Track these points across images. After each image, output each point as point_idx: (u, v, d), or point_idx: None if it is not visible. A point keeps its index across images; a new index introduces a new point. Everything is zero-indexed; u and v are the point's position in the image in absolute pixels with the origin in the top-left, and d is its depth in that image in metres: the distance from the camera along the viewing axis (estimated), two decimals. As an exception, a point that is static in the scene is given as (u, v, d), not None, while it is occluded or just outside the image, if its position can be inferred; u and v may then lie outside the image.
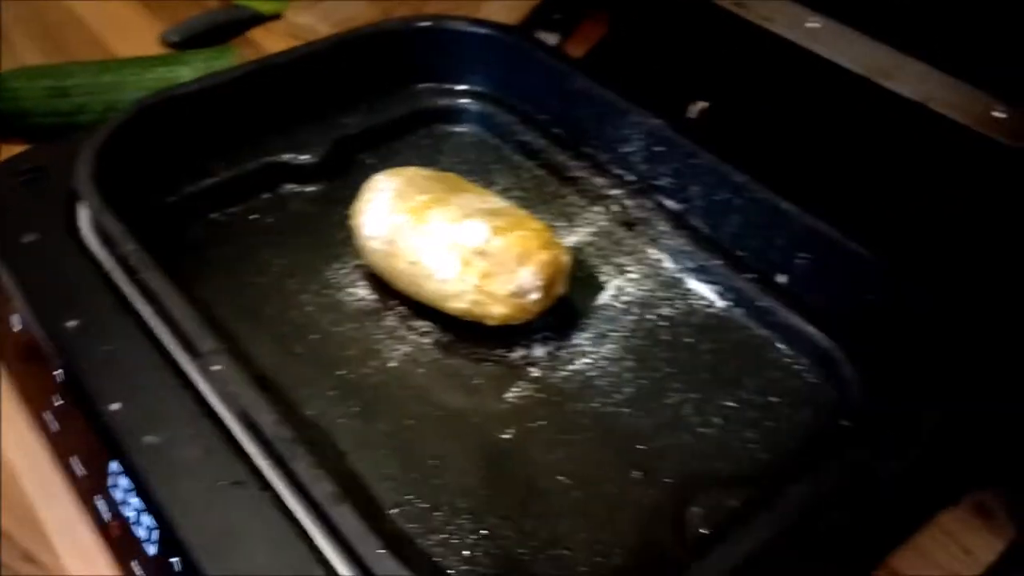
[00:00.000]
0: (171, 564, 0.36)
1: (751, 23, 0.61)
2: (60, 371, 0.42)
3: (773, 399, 0.47)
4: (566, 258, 0.48)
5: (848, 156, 0.55)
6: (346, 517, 0.34)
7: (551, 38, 0.79)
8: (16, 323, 0.46)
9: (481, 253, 0.46)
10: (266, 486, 0.37)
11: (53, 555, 0.45)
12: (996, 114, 0.48)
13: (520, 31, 0.68)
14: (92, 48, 0.80)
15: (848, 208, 0.50)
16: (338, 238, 0.54)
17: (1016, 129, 0.49)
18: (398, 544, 0.36)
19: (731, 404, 0.46)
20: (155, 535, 0.37)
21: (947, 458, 0.41)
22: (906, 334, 0.46)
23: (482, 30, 0.61)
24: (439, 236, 0.46)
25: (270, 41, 0.83)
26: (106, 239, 0.47)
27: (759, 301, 0.51)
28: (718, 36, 0.63)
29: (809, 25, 0.59)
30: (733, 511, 0.40)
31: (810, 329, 0.49)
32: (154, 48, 0.79)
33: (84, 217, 0.49)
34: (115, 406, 0.40)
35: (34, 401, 0.47)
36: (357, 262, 0.52)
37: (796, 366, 0.49)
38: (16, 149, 0.67)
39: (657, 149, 0.55)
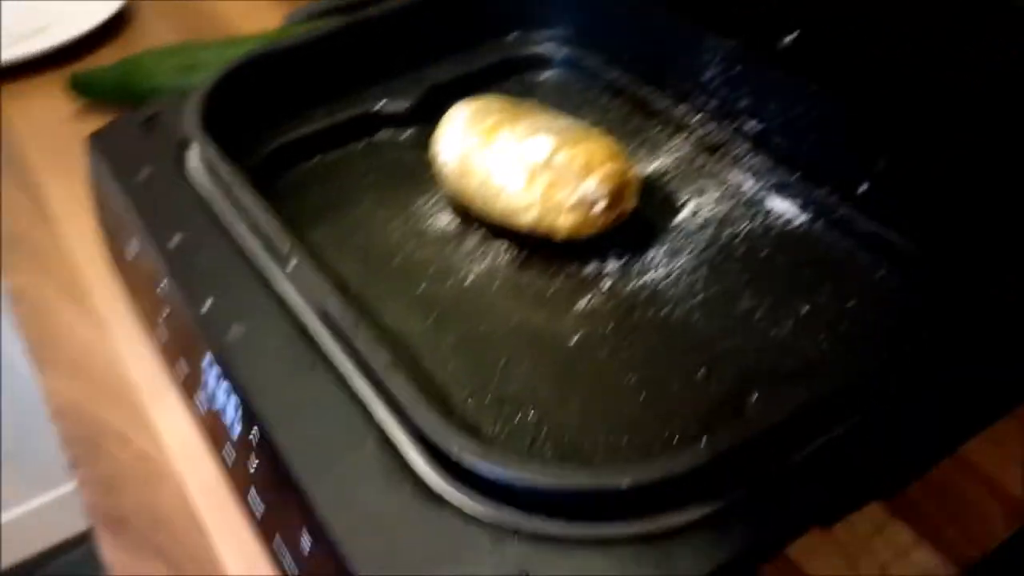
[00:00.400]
0: (250, 439, 0.39)
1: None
2: (163, 283, 0.47)
3: (851, 304, 0.46)
4: (633, 171, 0.49)
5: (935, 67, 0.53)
6: (399, 382, 0.36)
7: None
8: (133, 248, 0.51)
9: (546, 165, 0.47)
10: (332, 368, 0.39)
11: (163, 452, 0.49)
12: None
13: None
14: (220, 27, 0.87)
15: (929, 114, 0.48)
16: (427, 176, 0.57)
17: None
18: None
19: (805, 307, 0.46)
20: (239, 414, 0.40)
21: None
22: (993, 234, 0.44)
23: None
24: (507, 153, 0.48)
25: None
26: (209, 170, 0.51)
27: (839, 212, 0.49)
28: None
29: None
30: (791, 398, 0.39)
31: (892, 234, 0.47)
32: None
33: (193, 156, 0.54)
34: (206, 305, 0.43)
35: (149, 316, 0.52)
36: (441, 193, 0.55)
37: (878, 272, 0.47)
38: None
39: (734, 72, 0.55)
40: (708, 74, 0.57)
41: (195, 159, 0.53)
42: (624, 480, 0.32)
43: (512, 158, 0.48)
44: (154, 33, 0.88)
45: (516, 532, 0.32)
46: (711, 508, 0.33)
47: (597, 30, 0.64)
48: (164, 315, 0.48)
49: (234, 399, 0.41)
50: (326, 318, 0.41)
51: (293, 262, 0.43)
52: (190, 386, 0.47)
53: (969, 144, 0.45)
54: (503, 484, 0.33)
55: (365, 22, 0.62)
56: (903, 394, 0.38)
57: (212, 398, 0.43)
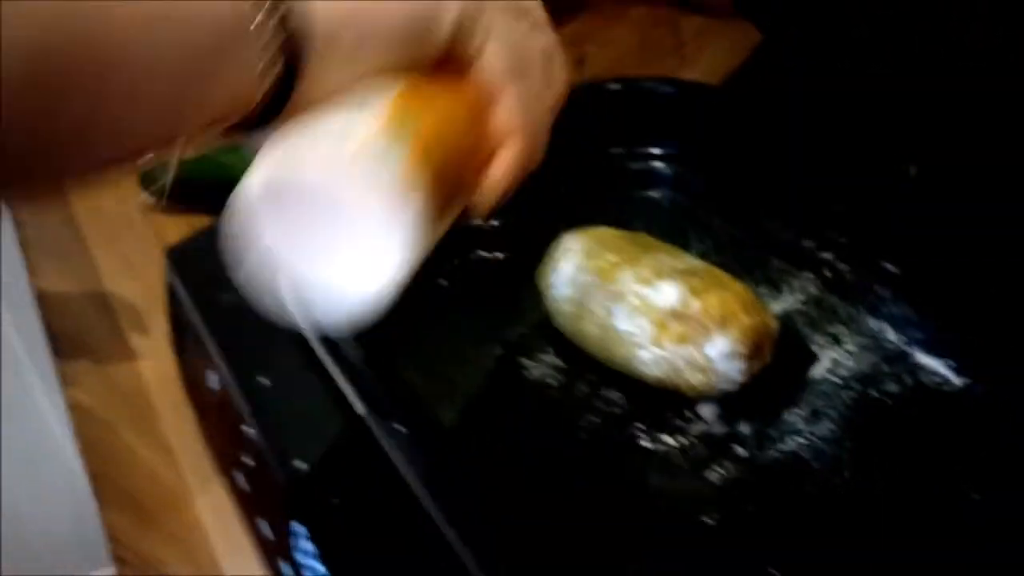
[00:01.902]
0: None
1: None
2: (248, 427, 0.42)
3: (1030, 493, 0.40)
4: (773, 324, 0.44)
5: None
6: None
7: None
8: (213, 381, 0.46)
9: (677, 316, 0.42)
10: (449, 556, 0.34)
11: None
12: None
13: (718, 89, 0.65)
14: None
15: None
16: (526, 303, 0.53)
17: None
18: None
19: (975, 497, 0.40)
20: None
21: None
22: None
23: (678, 89, 0.59)
24: (631, 298, 0.43)
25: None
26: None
27: (1007, 380, 0.44)
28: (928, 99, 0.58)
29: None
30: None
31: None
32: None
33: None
34: (299, 464, 0.38)
35: (226, 458, 0.47)
36: (544, 326, 0.50)
37: (1057, 454, 0.41)
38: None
39: (874, 208, 0.50)
40: (841, 207, 0.52)
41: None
42: None
43: (638, 304, 0.43)
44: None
45: None
46: None
47: (708, 150, 0.59)
48: (245, 463, 0.43)
49: (325, 582, 0.36)
50: (440, 491, 0.36)
51: (400, 429, 0.38)
52: (271, 552, 0.41)
53: None
54: None
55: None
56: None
57: (302, 570, 0.38)
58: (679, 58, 0.88)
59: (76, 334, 0.63)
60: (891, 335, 0.48)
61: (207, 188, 0.72)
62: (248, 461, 0.43)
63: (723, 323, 0.42)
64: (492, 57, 0.33)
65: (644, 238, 0.49)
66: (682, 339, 0.42)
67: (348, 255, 0.29)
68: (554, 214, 0.59)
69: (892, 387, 0.45)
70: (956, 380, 0.45)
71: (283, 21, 0.26)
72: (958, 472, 0.41)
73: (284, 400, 0.42)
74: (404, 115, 0.30)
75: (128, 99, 0.24)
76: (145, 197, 0.74)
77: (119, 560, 0.48)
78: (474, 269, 0.56)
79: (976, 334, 0.45)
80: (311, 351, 0.44)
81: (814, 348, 0.48)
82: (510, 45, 0.33)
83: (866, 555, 0.38)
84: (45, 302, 0.66)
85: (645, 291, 0.43)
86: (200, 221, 0.72)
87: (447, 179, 0.32)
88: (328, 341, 0.43)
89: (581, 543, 0.39)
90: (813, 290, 0.52)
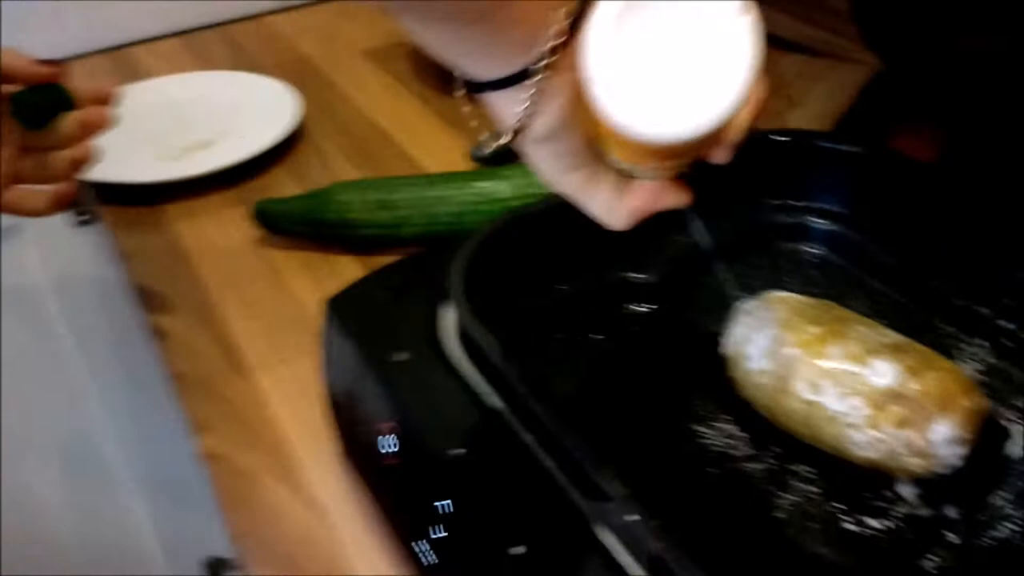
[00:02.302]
0: None
1: None
2: (447, 503, 0.40)
3: None
4: (987, 404, 0.42)
5: None
6: None
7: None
8: (389, 446, 0.45)
9: (895, 396, 0.41)
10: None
11: None
12: None
13: (881, 146, 0.63)
14: (402, 162, 0.83)
15: None
16: (687, 360, 0.51)
17: None
18: None
19: None
20: None
21: None
22: None
23: (842, 145, 0.57)
24: (843, 375, 0.42)
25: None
26: (479, 359, 0.45)
27: None
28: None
29: None
30: None
31: None
32: (461, 163, 0.81)
33: (449, 334, 0.48)
34: (518, 550, 0.37)
35: (404, 529, 0.45)
36: (719, 391, 0.49)
37: None
38: (341, 259, 0.70)
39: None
40: (1012, 271, 0.51)
41: (452, 338, 0.48)
42: None
43: (850, 382, 0.41)
44: (334, 166, 0.83)
45: None
46: None
47: (867, 206, 0.58)
48: (435, 539, 0.42)
49: None
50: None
51: (630, 517, 0.36)
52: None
53: None
54: None
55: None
56: None
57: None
58: (785, 99, 0.86)
59: (201, 376, 0.61)
60: (1082, 410, 0.46)
61: (317, 224, 0.71)
62: (439, 533, 0.41)
63: (943, 406, 0.40)
64: None
65: (836, 308, 0.47)
66: (902, 423, 0.40)
67: (695, 69, 0.33)
68: (705, 265, 0.57)
69: (1097, 468, 0.44)
70: None
71: None
72: None
73: (481, 474, 0.40)
74: None
75: None
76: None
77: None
78: (626, 322, 0.55)
79: None
80: (501, 418, 0.43)
81: (1004, 423, 0.46)
82: None
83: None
84: (164, 340, 0.64)
85: (858, 369, 0.41)
86: (311, 257, 0.70)
87: None
88: (526, 409, 0.41)
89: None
90: (992, 359, 0.50)
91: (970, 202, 0.53)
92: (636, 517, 0.36)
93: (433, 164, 0.82)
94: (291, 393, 0.58)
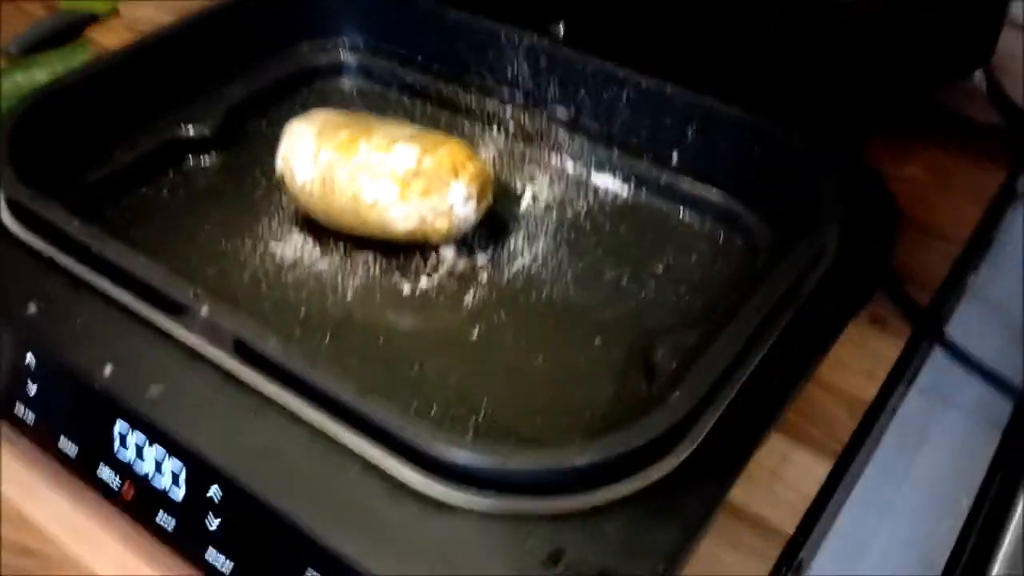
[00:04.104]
0: (209, 498, 0.38)
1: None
2: (30, 355, 0.42)
3: (693, 257, 0.53)
4: (489, 169, 0.52)
5: (708, 35, 0.61)
6: (376, 406, 0.37)
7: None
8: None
9: (416, 173, 0.49)
10: (277, 407, 0.39)
11: (53, 545, 0.45)
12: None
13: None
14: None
15: (719, 81, 0.56)
16: (255, 196, 0.56)
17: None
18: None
19: (659, 267, 0.52)
20: (183, 476, 0.38)
21: (847, 273, 0.48)
22: (788, 175, 0.52)
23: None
24: (374, 166, 0.49)
25: (110, 38, 0.81)
26: (36, 226, 0.46)
27: (659, 180, 0.56)
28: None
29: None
30: (691, 346, 0.45)
31: (710, 192, 0.55)
32: (-5, 62, 0.76)
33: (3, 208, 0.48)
34: (107, 370, 0.40)
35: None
36: (283, 211, 0.54)
37: (705, 226, 0.55)
38: None
39: (540, 65, 0.60)
40: (512, 69, 0.61)
41: (6, 214, 0.48)
42: (632, 442, 0.35)
43: (380, 170, 0.49)
44: None
45: (538, 517, 0.35)
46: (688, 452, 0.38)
47: (387, 35, 0.65)
48: (30, 395, 0.43)
49: (172, 462, 0.39)
50: (254, 359, 0.40)
51: (204, 308, 0.41)
52: (85, 464, 0.43)
53: (758, 110, 0.54)
54: (505, 475, 0.36)
55: (151, 45, 0.59)
56: (765, 334, 0.44)
57: (128, 469, 0.40)
58: None
59: None
60: (570, 166, 0.59)
61: None
62: (32, 389, 0.43)
63: (454, 172, 0.49)
64: None
65: (363, 115, 0.54)
66: (425, 192, 0.48)
67: None
68: (252, 112, 0.62)
69: (582, 204, 0.56)
70: (625, 190, 0.57)
71: None
72: (646, 261, 0.53)
73: (59, 322, 0.43)
74: None
75: None
76: None
77: None
78: (190, 176, 0.58)
79: (633, 152, 0.57)
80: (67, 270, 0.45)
81: (517, 188, 0.57)
82: None
83: (597, 326, 0.48)
84: None
85: (386, 157, 0.49)
86: None
87: None
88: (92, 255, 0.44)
89: (377, 377, 0.45)
90: (503, 142, 0.61)
91: (465, 16, 0.62)
92: (212, 314, 0.41)
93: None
94: None
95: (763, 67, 0.58)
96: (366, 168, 0.49)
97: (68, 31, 0.81)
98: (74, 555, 0.44)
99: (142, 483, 0.40)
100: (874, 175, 0.55)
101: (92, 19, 0.83)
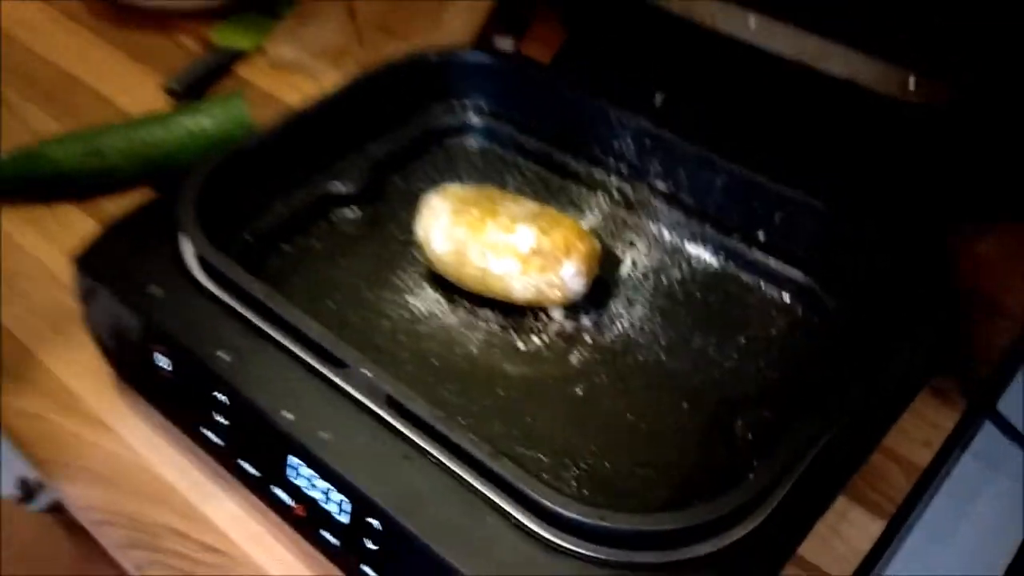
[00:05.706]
0: (368, 524, 0.47)
1: (696, 23, 0.73)
2: (222, 395, 0.52)
3: (773, 331, 0.60)
4: (597, 244, 0.60)
5: (795, 130, 0.68)
6: (507, 467, 0.45)
7: (506, 42, 0.90)
8: (163, 364, 0.55)
9: (535, 252, 0.57)
10: (427, 455, 0.48)
11: (231, 543, 0.55)
12: (910, 85, 0.62)
13: (513, 57, 0.78)
14: (99, 104, 0.86)
15: (804, 172, 0.63)
16: (392, 249, 0.65)
17: (926, 93, 0.62)
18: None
19: (741, 340, 0.59)
20: (346, 506, 0.48)
21: (916, 353, 0.55)
22: (864, 262, 0.59)
23: (481, 58, 0.72)
24: (500, 245, 0.58)
25: (257, 76, 0.91)
26: (223, 281, 0.56)
27: (747, 255, 0.64)
28: (668, 34, 0.75)
29: (745, 21, 0.71)
30: (768, 421, 0.53)
31: (791, 271, 0.62)
32: (157, 97, 0.87)
33: (193, 264, 0.58)
34: (287, 415, 0.50)
35: (188, 422, 0.56)
36: (417, 266, 0.63)
37: (785, 301, 0.62)
38: (66, 209, 0.75)
39: (645, 142, 0.67)
40: (619, 143, 0.69)
41: (194, 262, 0.58)
42: (714, 512, 0.44)
43: (506, 249, 0.57)
44: (29, 120, 0.85)
45: (631, 565, 0.43)
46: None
47: (509, 102, 0.73)
48: (218, 422, 0.53)
49: (339, 495, 0.48)
50: (404, 413, 0.49)
51: (360, 369, 0.50)
52: (261, 483, 0.52)
53: (839, 202, 0.60)
54: (609, 533, 0.44)
55: (308, 116, 0.67)
56: (838, 414, 0.51)
57: (300, 492, 0.50)
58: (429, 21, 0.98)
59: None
60: (667, 235, 0.66)
61: (32, 182, 0.75)
62: (221, 420, 0.53)
63: (568, 252, 0.57)
64: None
65: (491, 190, 0.63)
66: (542, 269, 0.57)
67: None
68: (392, 168, 0.71)
69: (675, 273, 0.64)
70: (715, 261, 0.64)
71: None
72: (730, 331, 0.60)
73: (247, 368, 0.52)
74: None
75: None
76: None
77: (106, 523, 0.56)
78: (337, 227, 0.67)
79: (724, 228, 0.64)
80: (250, 323, 0.54)
81: (618, 252, 0.65)
82: None
83: (685, 390, 0.56)
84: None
85: (509, 238, 0.57)
86: (35, 213, 0.75)
87: None
88: (270, 312, 0.53)
89: (496, 423, 0.54)
90: (606, 208, 0.68)
91: (572, 91, 0.70)
92: (369, 373, 0.50)
93: (129, 101, 0.86)
94: (56, 344, 0.65)
95: (848, 163, 0.65)
96: (493, 247, 0.57)
97: (220, 69, 0.91)
98: (247, 554, 0.55)
99: (312, 504, 0.50)
100: (942, 265, 0.61)
101: (239, 56, 0.93)
